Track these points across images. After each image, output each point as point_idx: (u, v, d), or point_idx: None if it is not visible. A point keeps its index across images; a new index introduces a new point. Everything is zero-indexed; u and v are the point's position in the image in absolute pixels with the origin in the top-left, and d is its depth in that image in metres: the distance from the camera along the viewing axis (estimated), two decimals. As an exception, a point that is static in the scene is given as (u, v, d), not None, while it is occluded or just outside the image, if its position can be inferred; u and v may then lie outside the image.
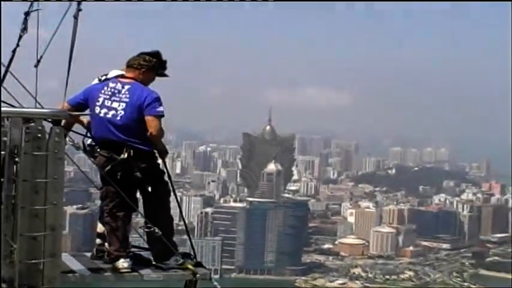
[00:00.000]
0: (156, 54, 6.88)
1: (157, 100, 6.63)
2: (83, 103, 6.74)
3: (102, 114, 6.61)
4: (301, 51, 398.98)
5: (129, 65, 6.82)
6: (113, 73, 6.93)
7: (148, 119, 6.57)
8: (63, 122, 6.14)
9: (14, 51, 6.17)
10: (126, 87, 6.67)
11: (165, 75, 7.01)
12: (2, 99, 5.68)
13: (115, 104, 6.61)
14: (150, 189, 6.69)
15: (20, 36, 6.19)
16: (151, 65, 6.82)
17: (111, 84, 6.71)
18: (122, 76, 6.81)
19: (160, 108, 6.62)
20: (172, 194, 6.88)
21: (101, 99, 6.65)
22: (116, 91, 6.65)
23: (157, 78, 6.96)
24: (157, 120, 6.60)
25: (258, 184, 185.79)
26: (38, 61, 6.41)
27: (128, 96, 6.62)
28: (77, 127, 6.99)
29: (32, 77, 6.37)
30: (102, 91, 6.68)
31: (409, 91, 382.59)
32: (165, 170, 6.85)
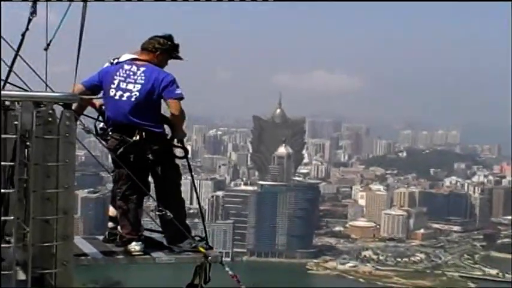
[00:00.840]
0: (169, 38, 6.88)
1: (174, 82, 6.63)
2: (98, 85, 6.74)
3: (117, 97, 6.60)
4: (311, 36, 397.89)
5: (144, 48, 6.83)
6: (124, 57, 6.91)
7: (169, 101, 6.59)
8: (74, 105, 6.16)
9: (23, 35, 6.16)
10: (142, 69, 6.67)
11: (180, 58, 7.00)
12: (12, 83, 5.70)
13: (130, 86, 6.60)
14: (161, 171, 6.68)
15: (30, 20, 6.17)
16: (165, 48, 6.83)
17: (126, 67, 6.71)
18: (136, 59, 6.79)
19: (179, 91, 6.63)
20: (188, 177, 6.92)
21: (116, 82, 6.64)
22: (131, 73, 6.65)
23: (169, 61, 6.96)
24: (178, 102, 6.62)
25: (268, 167, 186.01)
26: (48, 44, 6.40)
27: (143, 78, 6.61)
28: (89, 110, 6.99)
29: (42, 62, 6.37)
30: (118, 73, 6.67)
31: (420, 75, 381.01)
32: (176, 154, 6.87)
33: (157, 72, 6.65)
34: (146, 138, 6.54)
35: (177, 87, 6.63)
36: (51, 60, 6.36)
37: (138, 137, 6.52)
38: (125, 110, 6.56)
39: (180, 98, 6.63)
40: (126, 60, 6.81)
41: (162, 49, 6.79)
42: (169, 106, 6.59)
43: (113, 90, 6.63)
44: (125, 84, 6.61)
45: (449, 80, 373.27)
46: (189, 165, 7.01)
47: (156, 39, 6.83)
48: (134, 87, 6.58)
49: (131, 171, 6.50)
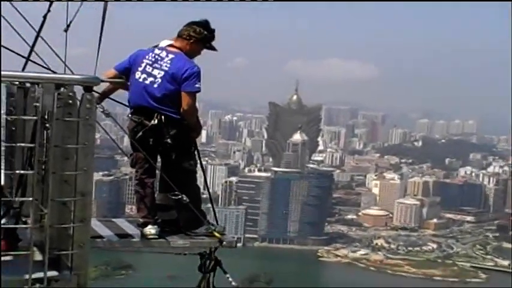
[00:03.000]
0: (206, 26, 6.79)
1: (197, 75, 6.56)
2: (129, 68, 6.75)
3: (141, 80, 6.61)
4: (328, 23, 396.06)
5: (179, 35, 6.77)
6: (163, 43, 6.85)
7: (183, 94, 6.54)
8: (104, 88, 6.38)
9: (44, 17, 6.17)
10: (170, 56, 6.63)
11: (214, 49, 6.91)
12: (33, 64, 5.71)
13: (155, 71, 6.59)
14: (177, 156, 6.66)
15: (51, 2, 6.18)
16: (200, 37, 6.75)
17: (156, 51, 6.70)
18: (171, 45, 6.76)
19: (197, 85, 6.56)
20: (198, 163, 6.88)
21: (143, 65, 6.64)
22: (159, 58, 6.63)
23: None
24: (192, 97, 6.56)
25: (283, 154, 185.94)
26: (68, 26, 6.40)
27: (168, 65, 6.58)
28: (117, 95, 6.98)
29: (62, 44, 6.37)
30: (147, 56, 6.67)
31: (438, 65, 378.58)
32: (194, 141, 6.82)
33: (184, 62, 6.59)
34: (164, 123, 6.53)
35: (198, 80, 6.56)
36: (71, 42, 6.37)
37: (156, 121, 6.51)
38: (146, 93, 6.56)
39: (195, 91, 6.56)
40: (159, 46, 6.78)
41: (197, 38, 6.72)
42: (183, 100, 6.54)
43: (139, 73, 6.63)
44: (151, 68, 6.60)
45: (467, 69, 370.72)
46: (198, 152, 6.97)
47: (193, 27, 6.74)
48: (159, 73, 6.57)
49: (149, 155, 6.52)
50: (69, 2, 6.37)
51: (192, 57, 6.74)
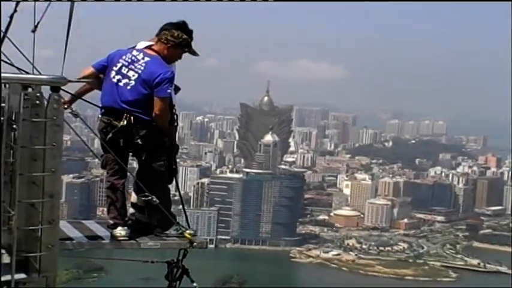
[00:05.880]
0: (183, 26, 6.65)
1: (169, 81, 6.46)
2: (107, 66, 6.65)
3: (115, 80, 6.53)
4: (298, 26, 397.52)
5: (158, 38, 6.66)
6: (140, 45, 6.75)
7: (156, 99, 6.46)
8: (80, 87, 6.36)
9: (11, 17, 6.09)
10: (146, 59, 6.53)
11: (195, 54, 6.78)
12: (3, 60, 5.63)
13: (130, 73, 6.51)
14: (147, 157, 6.60)
15: (17, 2, 6.10)
16: (177, 42, 6.62)
17: (134, 52, 6.60)
18: (150, 47, 6.66)
19: (169, 90, 6.47)
20: (180, 162, 6.85)
21: (119, 65, 6.56)
22: (135, 60, 6.54)
23: None
24: (164, 102, 6.48)
25: (254, 155, 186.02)
26: (35, 26, 6.33)
27: (142, 68, 6.50)
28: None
29: (29, 45, 6.30)
30: (124, 57, 6.58)
31: (408, 65, 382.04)
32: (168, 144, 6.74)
33: (157, 66, 6.49)
34: (134, 124, 6.47)
35: (171, 85, 6.47)
36: (38, 43, 6.30)
37: (125, 122, 6.46)
38: (118, 95, 6.50)
39: (166, 97, 6.47)
40: (136, 47, 6.69)
41: (175, 43, 6.60)
42: (155, 104, 6.47)
43: (113, 72, 6.56)
44: (126, 70, 6.52)
45: (437, 71, 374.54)
46: (177, 153, 6.94)
47: (172, 31, 6.61)
48: (133, 75, 6.49)
49: (119, 156, 6.48)
50: (37, 2, 6.29)
51: (171, 62, 6.64)
